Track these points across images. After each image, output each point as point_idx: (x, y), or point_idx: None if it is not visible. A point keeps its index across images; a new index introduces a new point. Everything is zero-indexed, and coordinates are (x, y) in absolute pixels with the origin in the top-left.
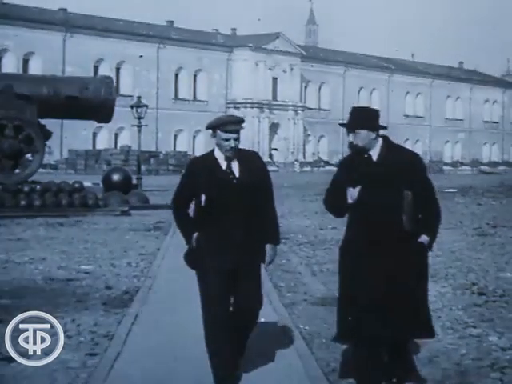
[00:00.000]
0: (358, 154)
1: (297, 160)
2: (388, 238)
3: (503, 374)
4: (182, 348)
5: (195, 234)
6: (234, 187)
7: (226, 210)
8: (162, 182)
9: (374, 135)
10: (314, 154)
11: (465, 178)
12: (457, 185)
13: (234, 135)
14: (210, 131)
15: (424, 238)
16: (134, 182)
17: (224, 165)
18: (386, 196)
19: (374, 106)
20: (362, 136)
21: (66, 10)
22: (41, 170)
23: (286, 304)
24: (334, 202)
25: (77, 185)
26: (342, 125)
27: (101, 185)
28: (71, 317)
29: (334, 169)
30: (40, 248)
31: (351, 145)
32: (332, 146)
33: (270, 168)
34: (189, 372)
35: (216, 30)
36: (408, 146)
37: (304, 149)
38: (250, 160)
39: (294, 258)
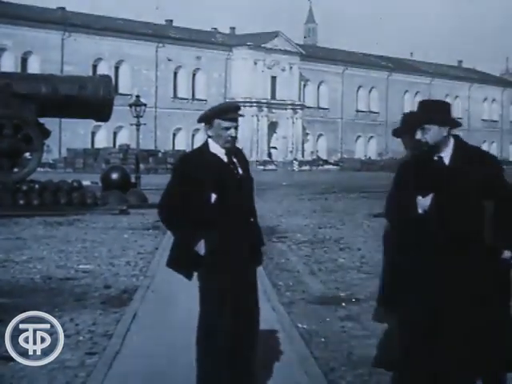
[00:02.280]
0: (426, 155)
1: (295, 159)
2: (461, 255)
3: None
4: (181, 347)
5: (202, 240)
6: (239, 184)
7: (234, 209)
8: (161, 181)
9: (445, 132)
10: (312, 152)
11: None
12: None
13: (235, 123)
14: (203, 124)
15: (508, 254)
16: (133, 180)
17: (225, 160)
18: (462, 207)
19: (373, 105)
20: (432, 132)
21: (64, 8)
22: (39, 168)
23: (285, 303)
24: (399, 211)
25: (75, 184)
26: (402, 123)
27: (99, 184)
28: (70, 316)
29: (333, 168)
30: (38, 247)
31: (418, 143)
32: (331, 145)
33: (268, 167)
34: (187, 371)
35: (215, 28)
36: None
37: (303, 147)
38: (241, 155)
39: (293, 256)
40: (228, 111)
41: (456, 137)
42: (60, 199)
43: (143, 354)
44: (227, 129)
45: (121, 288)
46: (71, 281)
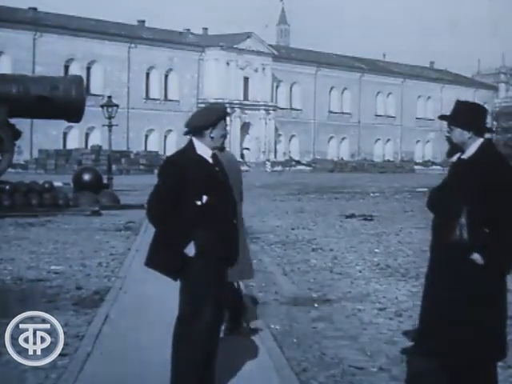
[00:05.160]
0: (451, 151)
1: (268, 160)
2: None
3: None
4: (152, 349)
5: (192, 241)
6: (224, 185)
7: (221, 210)
8: (133, 182)
9: (468, 134)
10: (285, 153)
11: (436, 178)
12: (428, 184)
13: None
14: (206, 129)
15: (477, 256)
16: (105, 181)
17: (211, 161)
18: (454, 204)
19: (345, 106)
20: (456, 133)
21: (35, 9)
22: (10, 169)
23: (257, 304)
24: None
25: (47, 185)
26: (441, 117)
27: (71, 185)
28: None
29: (306, 168)
30: (9, 248)
31: (448, 139)
32: (303, 146)
33: (241, 168)
34: (159, 373)
35: (187, 29)
36: (379, 145)
37: (275, 148)
38: (217, 157)
39: (266, 257)
40: (226, 112)
41: (486, 140)
42: (31, 200)
43: (115, 355)
44: (225, 128)
45: (92, 289)
46: (43, 282)
